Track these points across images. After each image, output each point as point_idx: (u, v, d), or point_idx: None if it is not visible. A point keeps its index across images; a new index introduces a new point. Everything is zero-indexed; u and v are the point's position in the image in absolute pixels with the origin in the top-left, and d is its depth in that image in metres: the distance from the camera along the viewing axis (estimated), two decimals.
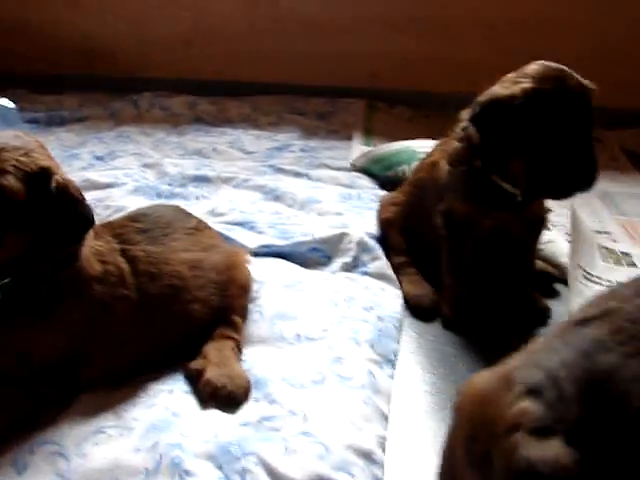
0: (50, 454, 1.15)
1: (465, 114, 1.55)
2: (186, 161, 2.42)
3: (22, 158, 1.14)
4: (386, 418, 1.31)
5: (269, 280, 1.61)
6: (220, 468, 1.12)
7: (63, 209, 1.17)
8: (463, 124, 1.56)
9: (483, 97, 1.46)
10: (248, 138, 2.68)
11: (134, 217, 1.40)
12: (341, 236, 1.81)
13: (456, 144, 1.58)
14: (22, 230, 1.14)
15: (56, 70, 3.32)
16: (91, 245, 1.27)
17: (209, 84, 3.16)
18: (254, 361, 1.38)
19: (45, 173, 1.16)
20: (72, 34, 3.31)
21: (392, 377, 1.42)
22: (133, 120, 2.87)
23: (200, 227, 1.49)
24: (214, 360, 1.33)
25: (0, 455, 1.14)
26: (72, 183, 1.22)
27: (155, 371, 1.35)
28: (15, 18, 3.33)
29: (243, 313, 1.46)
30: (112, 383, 1.30)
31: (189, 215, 1.51)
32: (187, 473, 1.10)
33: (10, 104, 2.39)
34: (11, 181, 1.11)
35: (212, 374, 1.29)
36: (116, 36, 3.30)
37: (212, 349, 1.35)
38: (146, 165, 2.37)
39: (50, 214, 1.16)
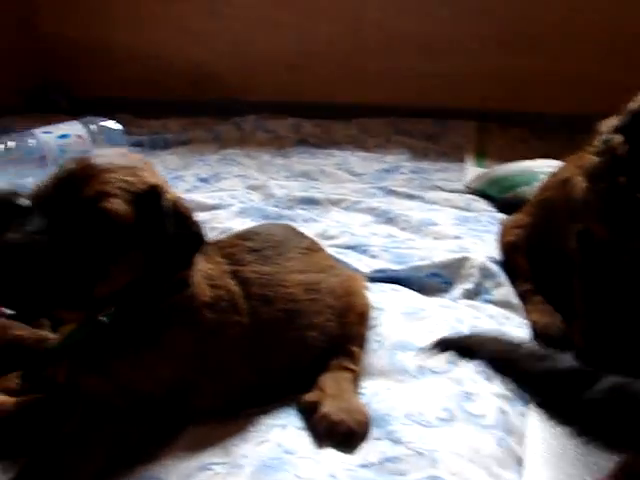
0: None
1: (605, 125, 1.40)
2: (292, 183, 2.35)
3: (129, 178, 1.05)
4: (520, 462, 1.16)
5: (387, 307, 1.48)
6: None
7: (175, 228, 1.08)
8: (604, 136, 1.41)
9: (634, 104, 1.31)
10: (355, 160, 2.59)
11: (244, 236, 1.31)
12: (462, 261, 1.68)
13: (595, 159, 1.43)
14: (131, 256, 1.06)
15: (162, 95, 3.32)
16: (201, 268, 1.17)
17: (313, 106, 3.09)
18: (373, 395, 1.25)
19: (155, 192, 1.07)
20: (179, 60, 3.31)
21: (524, 415, 1.27)
22: (237, 143, 2.82)
23: (314, 248, 1.38)
24: (331, 392, 1.21)
25: None
26: (182, 200, 1.13)
27: (266, 404, 1.24)
28: (125, 45, 3.37)
29: (361, 343, 1.34)
30: (220, 415, 1.20)
31: (301, 234, 1.41)
32: None
33: (116, 126, 2.37)
34: (118, 204, 1.02)
35: (329, 408, 1.17)
36: (221, 60, 3.28)
37: (329, 380, 1.23)
38: (251, 187, 2.30)
39: (161, 235, 1.07)
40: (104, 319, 1.10)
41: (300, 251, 1.33)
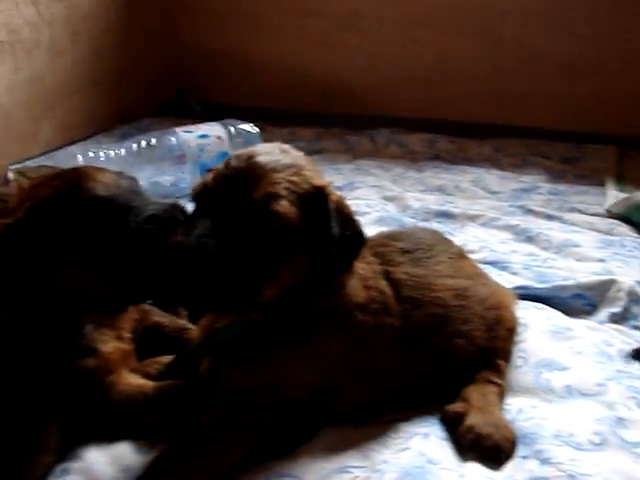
0: None
1: None
2: (428, 196, 2.32)
3: (294, 178, 1.04)
4: None
5: (532, 324, 1.43)
6: None
7: (340, 230, 1.07)
8: None
9: None
10: (491, 178, 2.52)
11: (394, 236, 1.29)
12: (608, 283, 1.60)
13: None
14: (298, 258, 1.05)
15: (293, 106, 3.35)
16: (354, 269, 1.16)
17: (448, 124, 3.04)
18: (518, 412, 1.21)
19: (320, 193, 1.06)
20: (313, 72, 3.33)
21: None
22: (370, 154, 2.81)
23: (463, 254, 1.35)
24: (477, 405, 1.17)
25: None
26: (345, 201, 1.12)
27: (406, 410, 1.21)
28: (260, 55, 3.42)
29: (508, 357, 1.29)
30: (360, 419, 1.18)
31: (450, 240, 1.38)
32: None
33: (254, 129, 2.40)
34: (286, 206, 1.01)
35: (475, 421, 1.13)
36: (356, 73, 3.28)
37: (475, 393, 1.20)
38: (387, 198, 2.28)
39: (326, 237, 1.05)
40: (256, 318, 1.10)
41: (449, 256, 1.30)
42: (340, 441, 1.14)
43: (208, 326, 1.17)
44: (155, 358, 1.28)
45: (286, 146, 1.13)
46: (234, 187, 1.02)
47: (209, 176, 1.07)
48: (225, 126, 2.39)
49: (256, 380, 1.08)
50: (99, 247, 1.06)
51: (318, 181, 1.08)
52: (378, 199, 2.26)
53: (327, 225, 1.05)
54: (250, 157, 1.05)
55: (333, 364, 1.12)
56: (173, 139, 2.28)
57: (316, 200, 1.06)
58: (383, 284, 1.18)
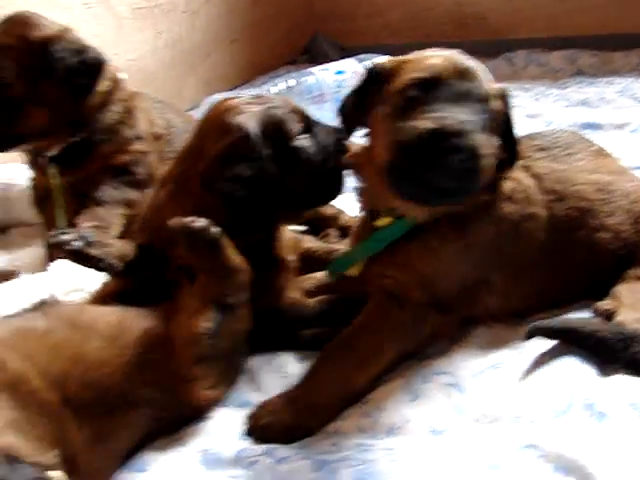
0: (444, 385, 1.06)
1: None
2: (571, 110, 2.26)
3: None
4: None
5: None
6: None
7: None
8: None
9: None
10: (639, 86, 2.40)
11: (531, 136, 1.28)
12: None
13: None
14: None
15: (425, 39, 3.29)
16: None
17: (586, 39, 2.91)
18: None
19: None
20: (444, 1, 3.27)
21: None
22: (509, 77, 2.75)
23: (604, 153, 1.31)
24: (627, 302, 1.13)
25: (393, 381, 1.09)
26: None
27: (559, 307, 1.19)
28: None
29: None
30: (510, 316, 1.18)
31: (589, 140, 1.34)
32: (601, 415, 0.96)
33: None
34: None
35: (625, 317, 1.10)
36: None
37: (624, 290, 1.16)
38: (529, 115, 2.25)
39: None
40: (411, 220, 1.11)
41: (589, 153, 1.27)
42: (492, 339, 1.16)
43: (361, 232, 1.20)
44: (310, 274, 1.34)
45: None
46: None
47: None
48: (360, 60, 2.39)
49: (410, 277, 1.10)
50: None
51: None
52: (521, 117, 2.19)
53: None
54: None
55: (484, 256, 1.13)
56: (310, 79, 2.31)
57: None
58: (522, 175, 1.17)
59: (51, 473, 0.79)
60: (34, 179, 1.70)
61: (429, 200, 1.05)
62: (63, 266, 1.36)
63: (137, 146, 1.62)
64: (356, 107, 1.14)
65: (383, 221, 1.13)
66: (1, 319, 1.10)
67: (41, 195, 1.68)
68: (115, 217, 1.50)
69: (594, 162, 1.25)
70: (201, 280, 1.08)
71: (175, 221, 1.04)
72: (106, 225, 1.46)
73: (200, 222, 1.03)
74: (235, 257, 1.07)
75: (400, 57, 1.13)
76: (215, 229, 1.04)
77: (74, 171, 1.58)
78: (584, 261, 1.19)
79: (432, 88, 1.03)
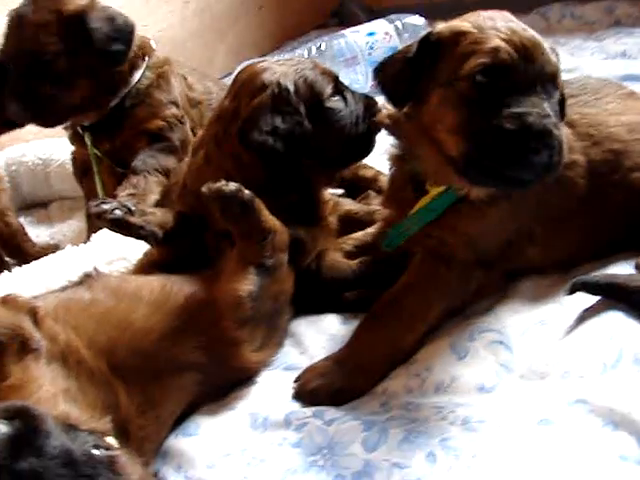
0: (491, 342, 1.05)
1: None
2: (609, 62, 2.19)
3: None
4: None
5: None
6: None
7: None
8: None
9: None
10: None
11: None
12: None
13: None
14: None
15: None
16: None
17: None
18: None
19: None
20: None
21: None
22: (543, 32, 2.64)
23: (635, 95, 1.28)
24: None
25: (440, 339, 1.08)
26: None
27: (596, 259, 1.17)
28: None
29: None
30: (553, 270, 1.17)
31: (619, 83, 1.32)
32: None
33: (419, 21, 2.34)
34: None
35: None
36: None
37: None
38: (566, 70, 2.14)
39: None
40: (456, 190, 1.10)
41: (619, 96, 1.24)
42: (537, 295, 1.14)
43: (403, 199, 1.18)
44: (350, 235, 1.33)
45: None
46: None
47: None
48: (391, 21, 2.35)
49: (456, 236, 1.10)
50: None
51: None
52: None
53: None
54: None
55: (529, 210, 1.11)
56: (342, 41, 2.27)
57: None
58: None
59: (107, 439, 0.80)
60: (74, 152, 1.72)
61: (504, 188, 1.05)
62: (105, 237, 1.37)
63: (172, 110, 1.62)
64: (406, 78, 1.08)
65: (435, 190, 1.11)
66: (48, 293, 1.12)
67: (81, 168, 1.70)
68: (152, 185, 1.51)
69: (623, 104, 1.22)
70: (239, 244, 1.10)
71: (207, 186, 1.05)
72: (143, 193, 1.47)
73: (231, 186, 1.04)
74: (270, 219, 1.09)
75: (453, 24, 1.08)
76: (247, 192, 1.05)
77: (111, 139, 1.60)
78: (622, 204, 1.16)
79: (501, 75, 0.99)
